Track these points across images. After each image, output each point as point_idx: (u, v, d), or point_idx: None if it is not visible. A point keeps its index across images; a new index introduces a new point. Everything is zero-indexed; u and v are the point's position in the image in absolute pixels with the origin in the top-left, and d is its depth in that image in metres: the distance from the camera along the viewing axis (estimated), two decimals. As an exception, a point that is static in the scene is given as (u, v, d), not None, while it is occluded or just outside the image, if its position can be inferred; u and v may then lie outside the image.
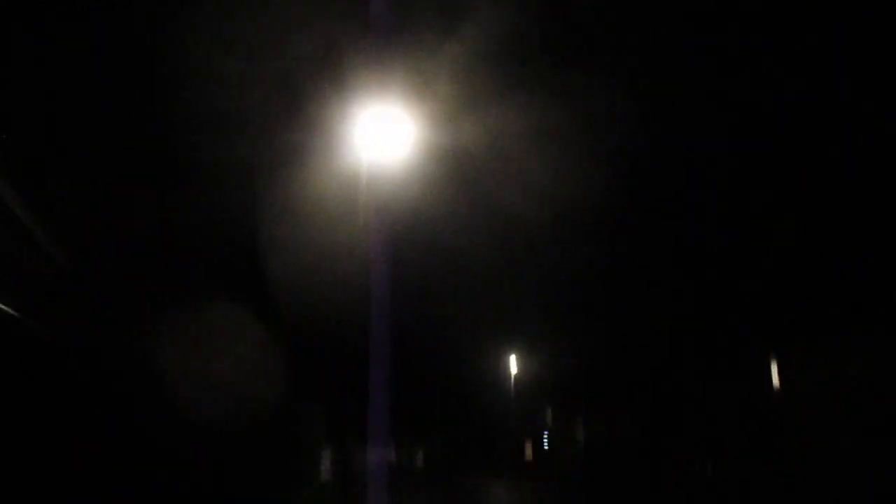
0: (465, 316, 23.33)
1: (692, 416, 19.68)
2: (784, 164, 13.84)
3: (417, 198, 12.23)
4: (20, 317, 6.07)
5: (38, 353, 6.45)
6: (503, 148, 13.34)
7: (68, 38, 7.34)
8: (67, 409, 6.82)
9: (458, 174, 13.48)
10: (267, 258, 10.89)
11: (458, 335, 25.14)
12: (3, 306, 5.86)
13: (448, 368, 26.45)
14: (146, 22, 8.13)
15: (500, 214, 16.22)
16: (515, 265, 20.18)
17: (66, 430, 6.75)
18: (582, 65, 12.87)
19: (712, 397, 18.29)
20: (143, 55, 8.04)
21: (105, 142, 7.71)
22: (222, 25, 8.76)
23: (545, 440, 31.40)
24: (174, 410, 8.42)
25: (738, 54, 12.68)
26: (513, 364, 31.03)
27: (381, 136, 8.93)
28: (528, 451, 32.13)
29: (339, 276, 11.16)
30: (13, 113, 6.60)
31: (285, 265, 10.80)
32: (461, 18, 10.55)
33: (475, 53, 10.96)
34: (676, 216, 16.94)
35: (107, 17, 7.76)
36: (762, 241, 15.28)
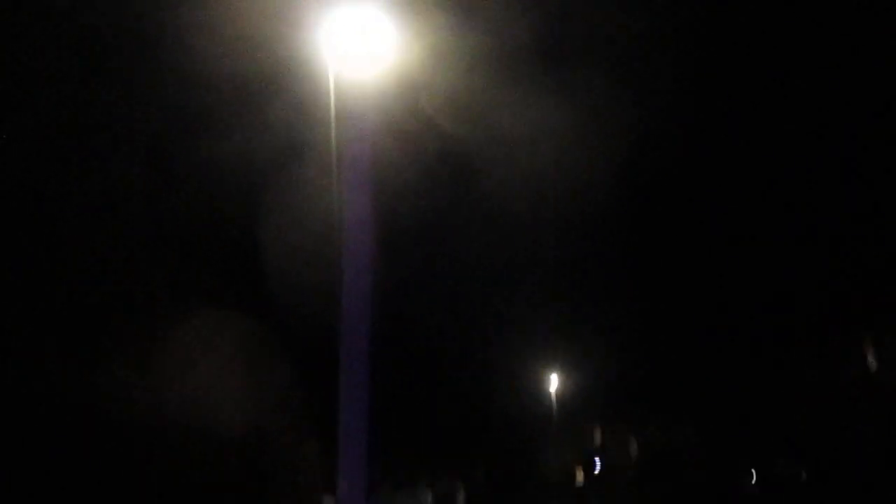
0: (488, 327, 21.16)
1: (767, 414, 17.80)
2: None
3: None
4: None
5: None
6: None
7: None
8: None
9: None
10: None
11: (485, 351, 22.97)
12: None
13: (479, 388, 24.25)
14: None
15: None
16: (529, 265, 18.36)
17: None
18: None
19: (794, 389, 16.44)
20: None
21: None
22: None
23: (596, 462, 29.27)
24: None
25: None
26: (552, 382, 29.00)
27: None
28: (580, 476, 30.01)
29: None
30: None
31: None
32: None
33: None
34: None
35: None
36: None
